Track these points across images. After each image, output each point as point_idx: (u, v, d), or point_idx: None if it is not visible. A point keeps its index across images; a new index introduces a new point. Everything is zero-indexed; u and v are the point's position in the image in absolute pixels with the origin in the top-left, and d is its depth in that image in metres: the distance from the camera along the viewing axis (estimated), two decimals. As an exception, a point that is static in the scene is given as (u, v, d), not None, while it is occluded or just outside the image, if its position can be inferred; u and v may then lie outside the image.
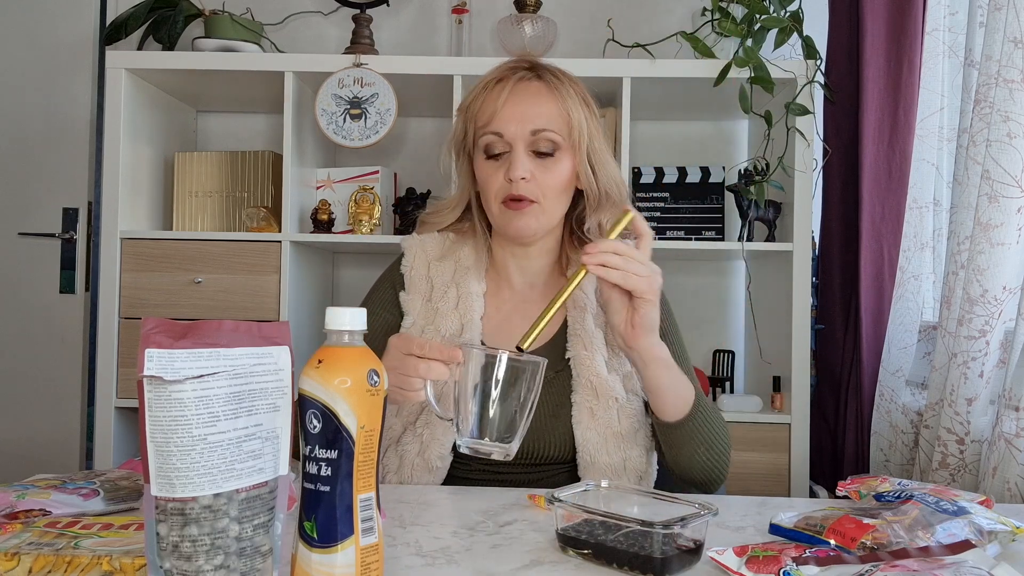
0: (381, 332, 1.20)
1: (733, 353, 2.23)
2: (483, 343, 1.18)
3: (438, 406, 0.92)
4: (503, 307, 1.24)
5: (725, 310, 2.38)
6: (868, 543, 0.74)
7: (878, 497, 0.93)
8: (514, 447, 0.89)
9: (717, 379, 2.17)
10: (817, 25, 2.04)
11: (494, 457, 0.87)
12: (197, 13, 2.16)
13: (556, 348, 1.20)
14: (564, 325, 1.21)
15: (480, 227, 1.25)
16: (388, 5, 2.23)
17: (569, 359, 1.18)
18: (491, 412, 0.87)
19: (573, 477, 1.16)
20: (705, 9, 2.00)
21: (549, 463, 1.17)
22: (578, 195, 1.23)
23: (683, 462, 1.13)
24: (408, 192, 2.17)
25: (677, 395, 1.09)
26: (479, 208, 1.25)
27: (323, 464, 0.64)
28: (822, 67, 1.98)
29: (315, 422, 0.64)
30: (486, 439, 0.88)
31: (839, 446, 1.91)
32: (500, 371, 0.87)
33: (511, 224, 1.17)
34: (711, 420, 1.13)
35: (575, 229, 1.26)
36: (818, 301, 2.05)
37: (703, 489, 1.17)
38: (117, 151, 2.00)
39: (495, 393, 0.87)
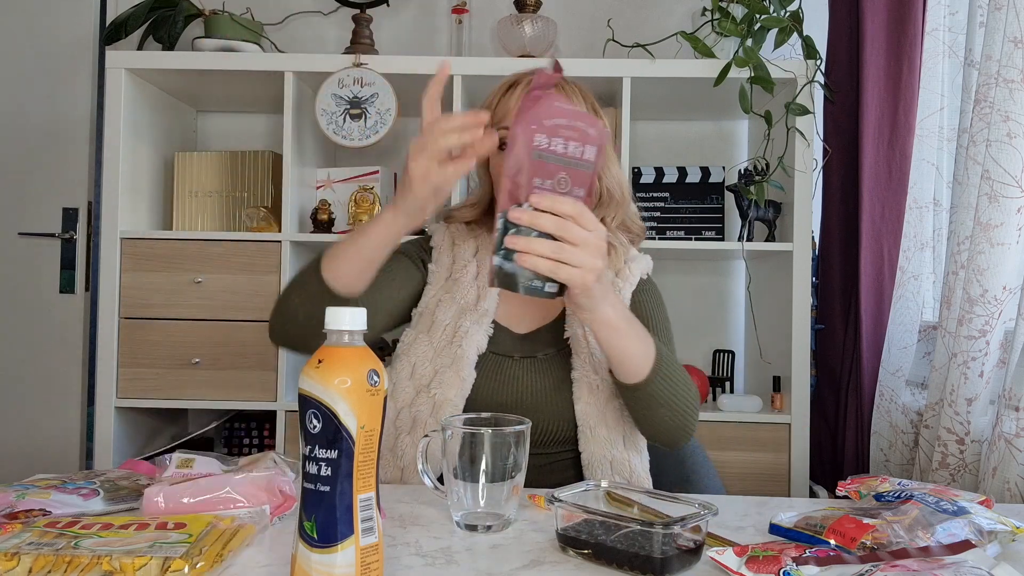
0: (408, 277, 1.24)
1: (733, 353, 2.23)
2: (495, 323, 1.21)
3: (432, 480, 0.91)
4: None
5: (725, 310, 2.38)
6: (868, 543, 0.74)
7: (878, 497, 0.93)
8: (510, 511, 0.89)
9: (717, 379, 2.17)
10: (817, 25, 2.04)
11: (493, 530, 0.87)
12: (197, 13, 2.16)
13: (557, 327, 1.23)
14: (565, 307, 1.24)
15: None
16: (388, 5, 2.23)
17: (567, 338, 1.20)
18: (482, 485, 0.87)
19: (577, 464, 1.17)
20: (705, 9, 2.00)
21: (551, 442, 1.18)
22: None
23: (645, 423, 1.12)
24: (408, 192, 2.16)
25: (632, 359, 1.05)
26: None
27: (323, 464, 0.64)
28: (822, 67, 1.97)
29: (315, 422, 0.64)
30: (482, 511, 0.87)
31: (839, 446, 1.91)
32: (487, 446, 0.86)
33: None
34: (672, 381, 1.09)
35: None
36: (818, 301, 2.05)
37: (669, 448, 1.17)
38: (117, 151, 2.00)
39: (484, 466, 0.86)
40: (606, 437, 1.15)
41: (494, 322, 1.21)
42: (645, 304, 1.26)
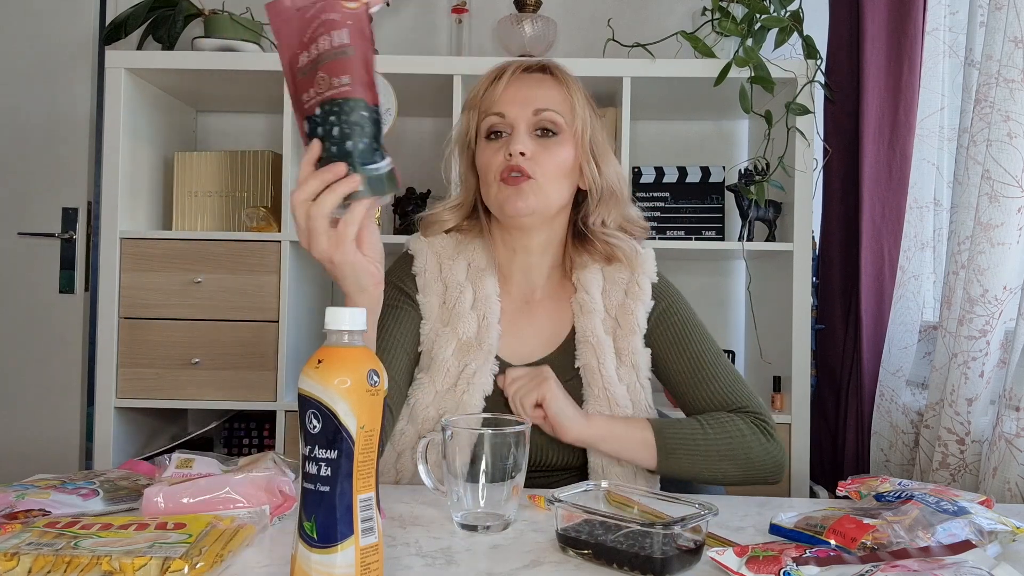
0: (409, 329, 1.17)
1: (733, 353, 2.23)
2: (498, 358, 1.14)
3: (432, 481, 0.91)
4: (510, 310, 1.20)
5: (725, 310, 2.38)
6: (868, 543, 0.74)
7: (878, 497, 0.93)
8: (510, 511, 0.88)
9: (717, 379, 2.17)
10: (817, 25, 2.03)
11: (493, 532, 0.87)
12: (197, 13, 2.16)
13: (566, 355, 1.17)
14: (572, 331, 1.18)
15: (487, 226, 1.21)
16: (388, 5, 2.23)
17: (579, 368, 1.15)
18: (482, 485, 0.86)
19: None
20: (705, 9, 2.00)
21: (558, 469, 1.16)
22: (581, 198, 1.20)
23: (720, 482, 1.11)
24: (408, 192, 2.17)
25: (635, 453, 1.08)
26: (485, 206, 1.20)
27: (323, 464, 0.64)
28: (822, 67, 1.97)
29: (315, 422, 0.64)
30: (481, 511, 0.87)
31: (839, 446, 1.91)
32: (487, 446, 0.86)
33: (508, 202, 1.11)
34: (693, 443, 1.08)
35: (580, 230, 1.20)
36: (818, 301, 2.05)
37: (772, 484, 1.14)
38: (117, 151, 2.00)
39: (484, 467, 0.86)
40: (619, 474, 1.11)
41: (497, 357, 1.15)
42: (670, 329, 1.18)
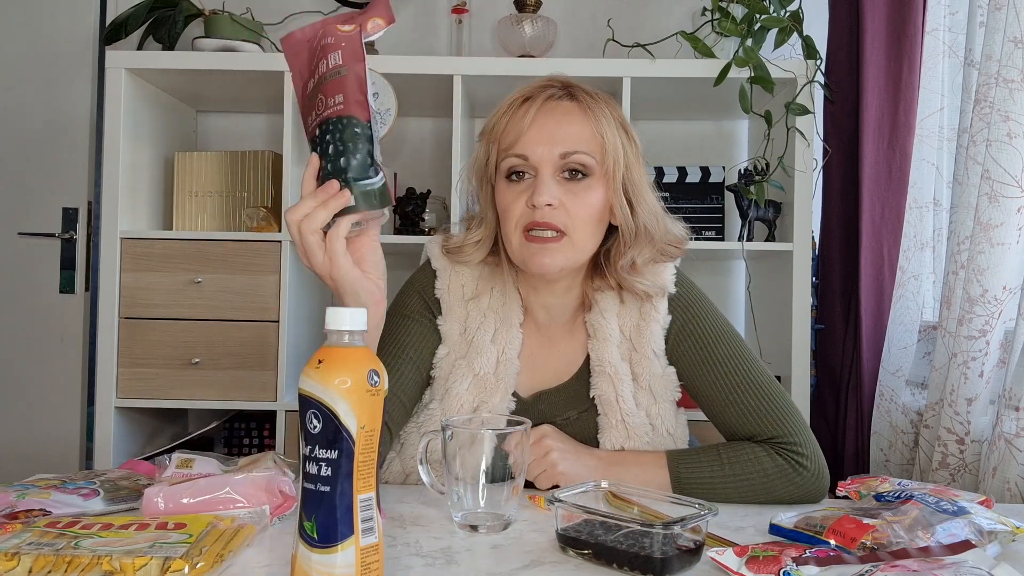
0: (425, 346, 1.13)
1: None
2: (515, 394, 1.11)
3: (432, 480, 0.91)
4: (529, 343, 1.15)
5: (725, 310, 2.36)
6: (868, 543, 0.74)
7: (878, 497, 0.93)
8: (510, 511, 0.88)
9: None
10: (817, 25, 2.04)
11: (493, 532, 0.86)
12: (197, 13, 2.16)
13: (580, 383, 1.12)
14: (586, 360, 1.12)
15: (507, 261, 1.12)
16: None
17: (594, 397, 1.10)
18: (482, 486, 0.86)
19: None
20: (705, 9, 2.00)
21: None
22: (611, 230, 1.12)
23: (756, 501, 1.03)
24: (408, 192, 2.17)
25: (645, 477, 1.02)
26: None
27: (323, 464, 0.64)
28: (822, 67, 1.97)
29: (315, 422, 0.64)
30: (481, 511, 0.87)
31: (839, 446, 1.91)
32: (487, 447, 0.86)
33: (533, 259, 1.04)
34: (711, 486, 1.02)
35: (601, 263, 1.13)
36: (818, 301, 2.05)
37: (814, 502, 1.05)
38: (117, 151, 2.00)
39: (484, 468, 0.86)
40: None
41: (514, 393, 1.11)
42: (692, 347, 1.11)
